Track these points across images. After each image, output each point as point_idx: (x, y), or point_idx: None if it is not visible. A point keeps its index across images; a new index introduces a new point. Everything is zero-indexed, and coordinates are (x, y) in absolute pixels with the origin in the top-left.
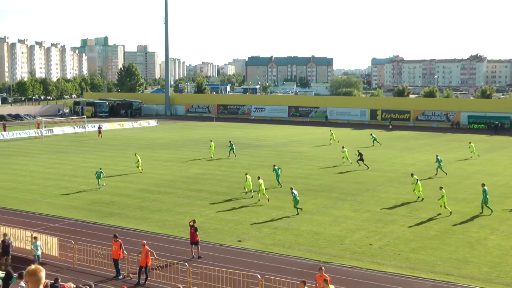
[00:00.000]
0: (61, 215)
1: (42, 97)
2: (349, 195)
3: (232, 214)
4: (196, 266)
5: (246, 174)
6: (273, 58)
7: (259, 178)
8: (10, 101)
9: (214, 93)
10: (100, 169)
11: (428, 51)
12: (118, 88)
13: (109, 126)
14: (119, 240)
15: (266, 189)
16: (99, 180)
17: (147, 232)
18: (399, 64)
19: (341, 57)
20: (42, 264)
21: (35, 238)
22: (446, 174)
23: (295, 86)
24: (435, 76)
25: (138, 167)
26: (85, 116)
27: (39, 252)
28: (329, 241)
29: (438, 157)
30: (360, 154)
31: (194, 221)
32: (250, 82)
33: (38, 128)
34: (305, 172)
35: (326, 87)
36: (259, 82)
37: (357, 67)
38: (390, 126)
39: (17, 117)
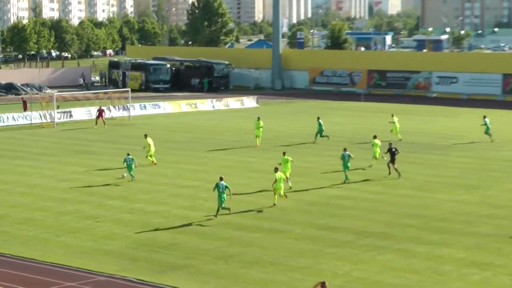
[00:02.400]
0: (85, 266)
1: (54, 54)
2: None
3: (395, 272)
4: None
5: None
6: None
7: (276, 170)
8: None
9: (363, 48)
10: (129, 154)
11: None
12: (188, 39)
13: (170, 107)
14: None
15: None
16: (131, 171)
17: None
18: None
19: None
20: None
21: None
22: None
23: None
24: None
25: (149, 156)
26: (129, 89)
27: None
28: None
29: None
30: (392, 152)
31: (323, 285)
32: (430, 29)
33: (46, 109)
34: None
35: None
36: (447, 29)
37: None
38: None
39: (9, 88)
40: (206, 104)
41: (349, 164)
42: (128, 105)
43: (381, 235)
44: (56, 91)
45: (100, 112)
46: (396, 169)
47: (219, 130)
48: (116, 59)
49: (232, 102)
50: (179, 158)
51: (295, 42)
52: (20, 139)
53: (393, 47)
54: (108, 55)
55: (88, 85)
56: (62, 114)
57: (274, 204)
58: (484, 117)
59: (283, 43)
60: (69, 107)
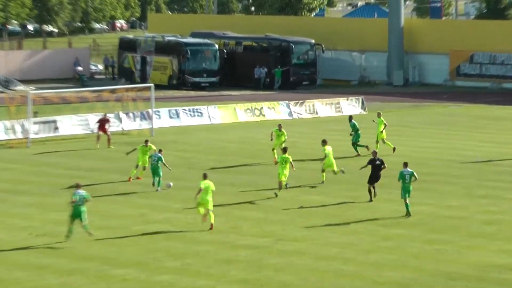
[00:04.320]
0: None
1: (31, 28)
2: None
3: None
4: None
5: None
6: None
7: (205, 176)
8: None
9: None
10: (157, 151)
11: None
12: (250, 3)
13: (219, 114)
14: None
15: None
16: (158, 176)
17: None
18: None
19: None
20: None
21: None
22: None
23: None
24: None
25: (135, 168)
26: (152, 85)
27: None
28: None
29: None
30: (375, 166)
31: None
32: None
33: (17, 117)
34: None
35: None
36: None
37: None
38: None
39: None
40: (278, 109)
41: (411, 188)
42: (150, 111)
43: None
44: (33, 87)
45: (103, 123)
46: (375, 191)
47: (299, 153)
48: (131, 36)
49: (322, 107)
50: (233, 198)
51: (426, 7)
52: None
53: None
54: (118, 30)
55: (85, 78)
56: (43, 125)
57: (211, 229)
58: None
59: (407, 10)
60: (53, 114)
